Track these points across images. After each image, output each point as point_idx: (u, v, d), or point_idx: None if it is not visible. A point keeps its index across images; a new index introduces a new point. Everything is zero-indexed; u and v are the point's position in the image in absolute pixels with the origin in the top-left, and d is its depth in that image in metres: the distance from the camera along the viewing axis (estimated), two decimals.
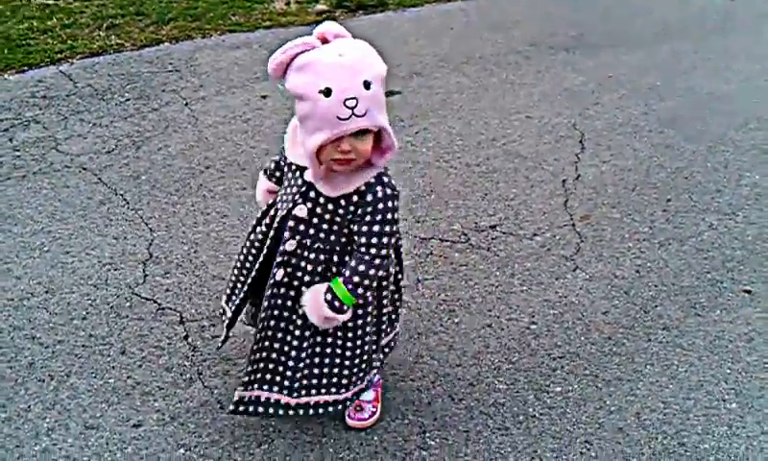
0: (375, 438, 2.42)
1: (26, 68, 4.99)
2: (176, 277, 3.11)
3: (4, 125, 4.25)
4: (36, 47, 5.30)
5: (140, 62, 5.15)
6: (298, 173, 2.16)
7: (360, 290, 2.14)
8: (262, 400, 2.34)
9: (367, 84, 1.93)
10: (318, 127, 1.96)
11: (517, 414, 2.52)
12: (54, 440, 2.38)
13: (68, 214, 3.48)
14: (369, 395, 2.49)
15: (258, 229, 2.33)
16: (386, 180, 2.12)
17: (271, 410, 2.35)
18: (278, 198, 2.27)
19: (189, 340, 2.79)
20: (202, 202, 3.62)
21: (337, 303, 2.14)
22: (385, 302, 2.35)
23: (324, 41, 2.03)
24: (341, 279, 2.13)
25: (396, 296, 2.47)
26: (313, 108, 1.94)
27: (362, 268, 2.12)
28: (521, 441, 2.43)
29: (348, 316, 2.19)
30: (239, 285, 2.43)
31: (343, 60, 1.95)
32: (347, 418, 2.47)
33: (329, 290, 2.14)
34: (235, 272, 2.44)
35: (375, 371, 2.46)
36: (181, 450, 2.36)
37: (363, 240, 2.12)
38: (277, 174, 2.38)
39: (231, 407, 2.34)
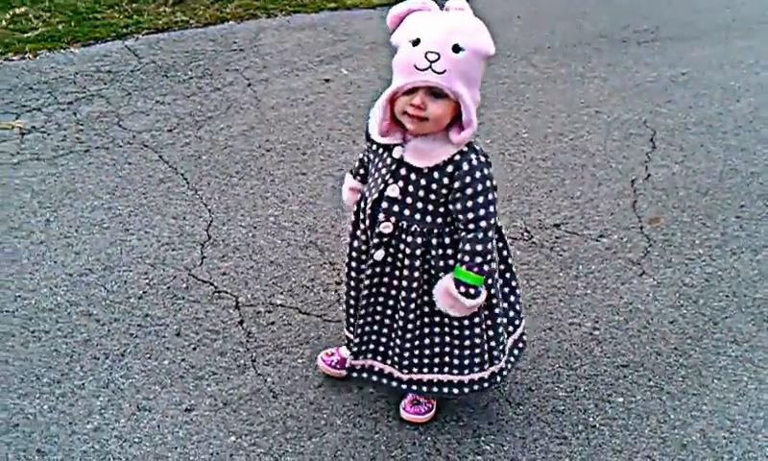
0: (429, 438, 2.36)
1: (92, 42, 5.02)
2: (233, 260, 3.08)
3: (68, 98, 4.27)
4: (103, 21, 5.33)
5: (205, 40, 5.14)
6: (385, 153, 2.13)
7: (486, 267, 2.11)
8: (376, 369, 2.35)
9: (456, 48, 1.92)
10: (397, 73, 1.98)
11: (577, 423, 2.44)
12: (106, 419, 2.38)
13: (129, 191, 3.48)
14: None
15: (358, 233, 2.27)
16: (478, 148, 2.09)
17: (384, 381, 2.36)
18: (366, 188, 2.24)
19: (244, 325, 2.76)
20: (261, 185, 3.59)
21: (472, 291, 2.10)
22: (490, 282, 2.22)
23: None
24: (463, 268, 2.09)
25: (513, 284, 2.37)
26: (400, 55, 1.97)
27: (479, 247, 2.08)
28: (579, 451, 2.34)
29: (485, 294, 2.16)
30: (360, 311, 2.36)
31: (442, 20, 1.98)
32: (401, 410, 2.42)
33: (458, 283, 2.10)
34: (353, 294, 2.36)
35: (504, 368, 2.36)
36: (232, 438, 2.34)
37: (470, 216, 2.06)
38: (362, 172, 2.34)
39: (344, 373, 2.40)
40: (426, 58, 1.91)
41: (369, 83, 4.56)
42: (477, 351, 2.27)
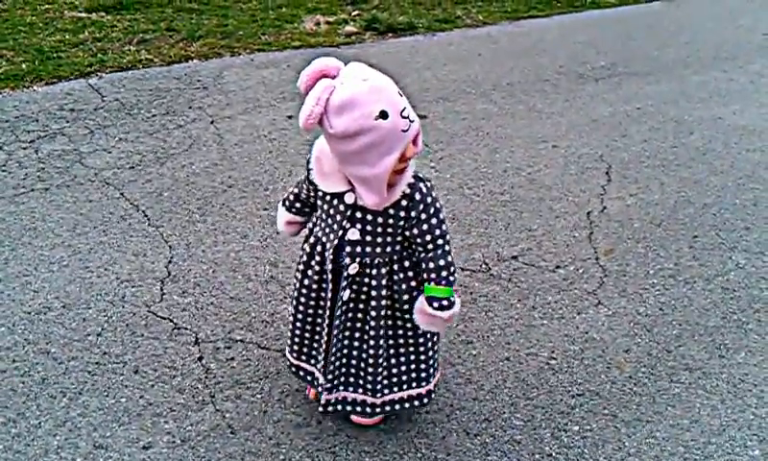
0: None
1: (55, 80, 5.04)
2: (193, 296, 3.09)
3: (30, 137, 4.27)
4: (67, 60, 5.35)
5: (168, 78, 5.18)
6: (335, 201, 2.18)
7: (452, 278, 2.23)
8: (349, 400, 2.42)
9: (400, 93, 2.02)
10: (385, 151, 1.99)
11: (533, 453, 2.46)
12: (62, 459, 2.36)
13: (89, 229, 3.48)
14: None
15: (310, 272, 2.33)
16: (420, 175, 2.18)
17: (358, 409, 2.43)
18: (319, 230, 2.28)
19: (203, 362, 2.76)
20: (222, 221, 3.61)
21: (446, 303, 2.21)
22: None
23: (332, 77, 2.02)
24: (432, 284, 2.20)
25: None
26: (376, 135, 1.96)
27: (443, 262, 2.20)
28: None
29: (459, 301, 2.27)
30: (314, 345, 2.44)
31: (375, 82, 1.99)
32: (352, 416, 2.52)
33: (432, 300, 2.20)
34: (299, 326, 2.42)
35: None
36: None
37: (429, 237, 2.18)
38: (297, 205, 2.40)
39: (320, 409, 2.43)
40: (403, 117, 1.98)
41: None
42: (436, 355, 2.43)
